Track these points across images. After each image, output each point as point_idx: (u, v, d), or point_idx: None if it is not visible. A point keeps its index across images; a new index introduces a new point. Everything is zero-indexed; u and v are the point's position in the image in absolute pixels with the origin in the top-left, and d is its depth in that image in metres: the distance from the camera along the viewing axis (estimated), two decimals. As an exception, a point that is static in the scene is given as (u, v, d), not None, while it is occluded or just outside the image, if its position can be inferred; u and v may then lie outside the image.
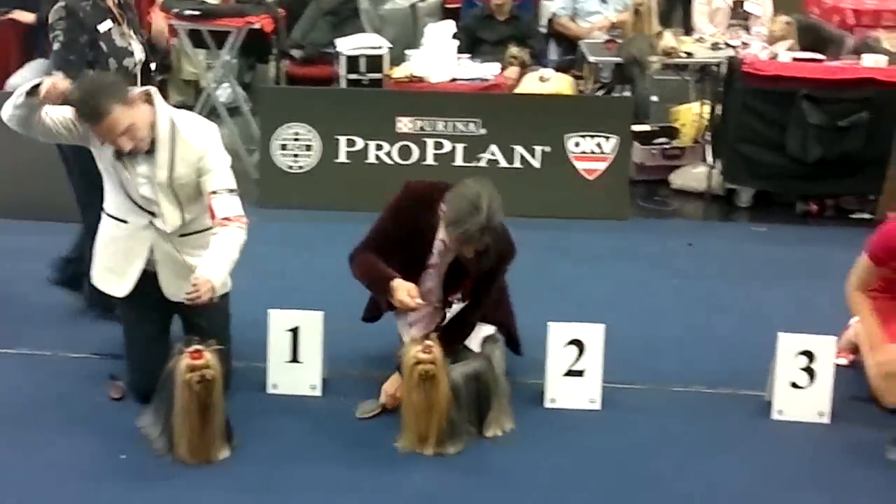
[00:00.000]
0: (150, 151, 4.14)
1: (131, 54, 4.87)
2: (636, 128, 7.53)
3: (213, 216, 4.13)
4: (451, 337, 4.29)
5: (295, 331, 4.49)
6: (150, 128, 4.11)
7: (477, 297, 4.32)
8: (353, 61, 7.66)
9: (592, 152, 6.87)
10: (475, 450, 4.12)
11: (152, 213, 4.25)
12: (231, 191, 4.19)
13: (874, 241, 4.50)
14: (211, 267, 4.05)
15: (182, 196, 4.22)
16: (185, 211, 4.25)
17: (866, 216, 6.91)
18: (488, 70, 7.48)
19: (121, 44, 4.83)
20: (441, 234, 4.22)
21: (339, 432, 4.26)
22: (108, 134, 4.03)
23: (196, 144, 4.17)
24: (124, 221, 4.31)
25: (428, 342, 4.02)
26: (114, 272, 4.37)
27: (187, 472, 3.94)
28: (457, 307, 4.35)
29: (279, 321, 4.50)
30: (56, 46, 4.75)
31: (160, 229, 4.25)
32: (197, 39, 7.64)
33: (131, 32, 4.92)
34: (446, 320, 4.36)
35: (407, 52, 7.69)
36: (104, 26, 4.77)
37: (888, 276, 4.54)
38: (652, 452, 4.18)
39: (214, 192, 4.15)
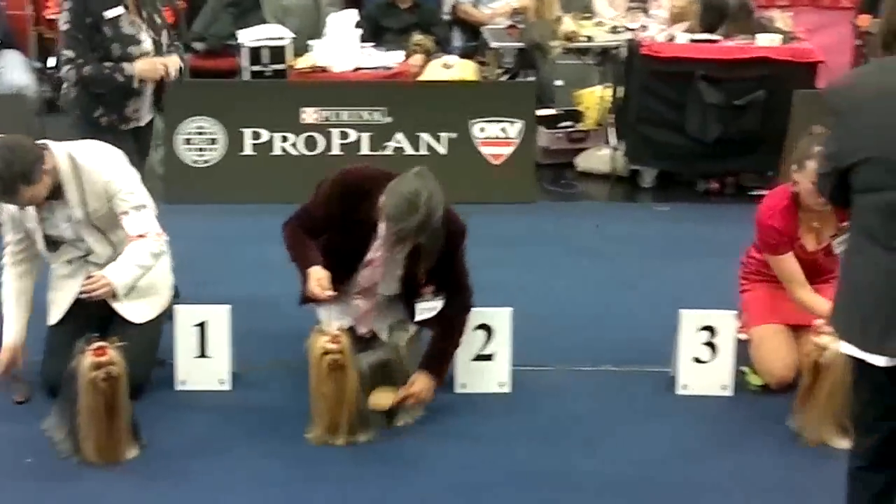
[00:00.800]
0: (59, 195, 4.19)
1: (138, 43, 4.90)
2: (541, 112, 7.60)
3: (128, 236, 4.21)
4: (445, 344, 4.29)
5: (202, 325, 4.46)
6: (53, 173, 4.14)
7: (446, 287, 4.26)
8: (255, 53, 7.62)
9: (497, 137, 6.92)
10: (386, 438, 4.13)
11: (83, 250, 4.34)
12: (139, 207, 4.24)
13: (760, 236, 4.49)
14: (113, 268, 4.12)
15: (104, 226, 4.30)
16: (112, 238, 4.32)
17: (765, 193, 7.04)
18: (392, 58, 7.50)
19: (128, 31, 4.89)
20: (381, 226, 4.15)
21: (250, 426, 4.24)
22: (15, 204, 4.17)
23: (99, 174, 4.21)
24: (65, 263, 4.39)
25: (335, 332, 4.02)
26: (54, 303, 4.44)
27: (95, 473, 3.89)
28: (430, 303, 4.28)
29: (186, 317, 4.47)
30: (64, 28, 4.91)
31: (95, 262, 4.32)
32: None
33: (143, 23, 4.95)
34: (419, 315, 4.30)
35: (310, 42, 7.67)
36: (113, 12, 4.85)
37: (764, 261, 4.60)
38: (562, 432, 4.24)
39: (125, 213, 4.22)
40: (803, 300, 4.40)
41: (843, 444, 3.87)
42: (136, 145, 5.08)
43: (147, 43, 4.95)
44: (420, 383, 4.18)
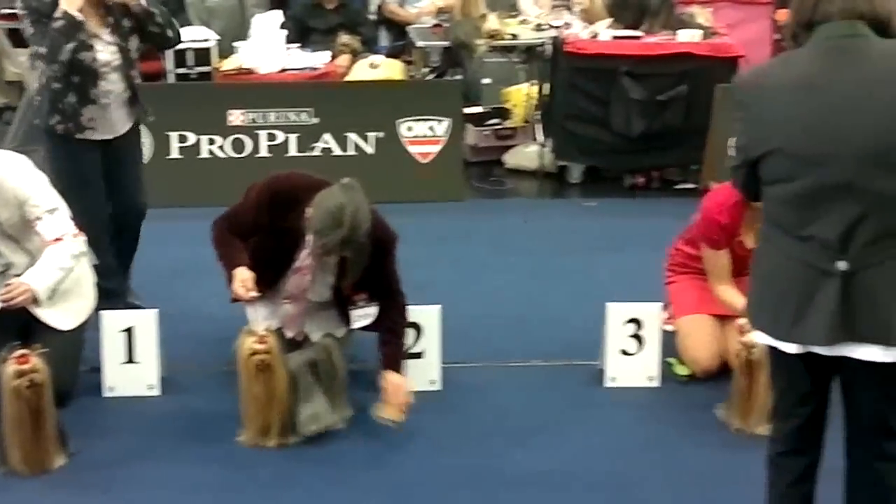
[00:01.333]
0: None
1: (89, 48, 4.66)
2: (468, 110, 7.65)
3: (44, 241, 4.16)
4: (395, 345, 4.27)
5: (129, 331, 4.42)
6: None
7: (379, 293, 4.26)
8: (180, 55, 7.55)
9: (425, 136, 6.95)
10: (317, 439, 4.13)
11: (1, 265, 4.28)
12: (51, 210, 4.18)
13: (701, 229, 4.50)
14: (33, 273, 4.08)
15: (17, 235, 4.23)
16: (28, 247, 4.26)
17: (690, 186, 7.18)
18: (318, 59, 7.49)
19: (80, 38, 4.62)
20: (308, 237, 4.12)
21: (180, 431, 4.22)
22: None
23: (7, 182, 4.13)
24: None
25: (263, 332, 4.01)
26: None
27: (23, 483, 3.84)
28: (364, 310, 4.26)
29: (112, 322, 4.42)
30: (29, 31, 4.71)
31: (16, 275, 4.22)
32: (17, 39, 7.40)
33: (103, 30, 4.71)
34: (355, 322, 4.29)
35: (235, 44, 7.63)
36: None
37: (692, 254, 4.67)
38: (493, 428, 4.27)
39: (38, 219, 4.16)
40: (723, 296, 4.48)
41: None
42: (105, 158, 4.88)
43: (104, 53, 4.70)
44: (395, 382, 4.17)
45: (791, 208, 2.81)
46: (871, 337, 2.77)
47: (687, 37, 6.93)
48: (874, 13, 2.78)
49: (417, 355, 4.50)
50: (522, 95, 7.97)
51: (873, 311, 2.76)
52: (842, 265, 2.75)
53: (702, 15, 7.44)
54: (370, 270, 4.15)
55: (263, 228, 4.24)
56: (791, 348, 2.88)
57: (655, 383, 4.56)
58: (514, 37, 7.44)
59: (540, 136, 7.52)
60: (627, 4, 7.09)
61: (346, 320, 4.33)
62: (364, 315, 4.27)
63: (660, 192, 7.22)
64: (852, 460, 3.04)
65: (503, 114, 8.01)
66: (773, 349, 2.95)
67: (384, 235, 4.19)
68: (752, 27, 8.54)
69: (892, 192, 2.71)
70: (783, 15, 7.49)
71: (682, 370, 4.62)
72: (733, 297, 4.40)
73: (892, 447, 2.91)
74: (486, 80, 8.26)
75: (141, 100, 4.94)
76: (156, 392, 4.47)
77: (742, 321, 4.10)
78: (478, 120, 7.82)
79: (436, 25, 7.67)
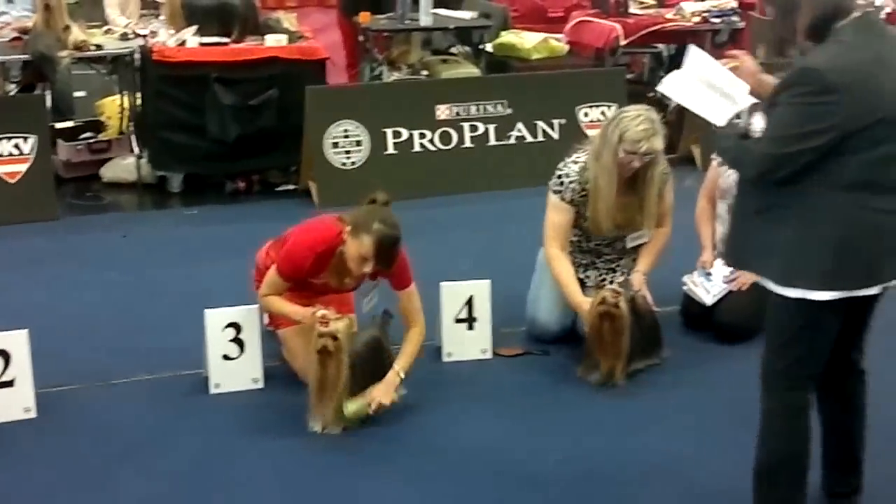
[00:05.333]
0: None
1: None
2: (59, 125, 7.36)
3: None
4: None
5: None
6: None
7: None
8: None
9: (11, 154, 6.63)
10: None
11: None
12: None
13: (283, 259, 4.46)
14: None
15: None
16: None
17: (291, 187, 7.31)
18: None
19: None
20: None
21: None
22: None
23: None
24: None
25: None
26: None
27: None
28: None
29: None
30: None
31: None
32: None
33: None
34: None
35: None
36: None
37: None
38: (98, 448, 4.15)
39: None
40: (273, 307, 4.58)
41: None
42: None
43: None
44: None
45: (885, 166, 3.15)
46: None
47: (273, 41, 7.03)
48: None
49: (8, 384, 4.28)
50: (116, 107, 7.79)
51: None
52: None
53: (287, 20, 7.57)
54: None
55: None
56: (871, 290, 3.23)
57: (260, 385, 4.62)
58: (99, 47, 7.22)
59: (136, 148, 7.37)
60: (211, 11, 7.08)
61: None
62: None
63: (262, 196, 7.28)
64: (830, 397, 3.53)
65: (98, 127, 7.80)
66: (821, 303, 3.19)
67: None
68: (338, 30, 8.85)
69: None
70: (366, 17, 7.85)
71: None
72: (281, 305, 4.48)
73: (861, 360, 3.52)
74: (79, 93, 8.01)
75: None
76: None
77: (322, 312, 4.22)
78: (70, 135, 7.56)
79: (14, 39, 7.29)
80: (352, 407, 4.27)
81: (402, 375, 4.41)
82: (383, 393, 4.33)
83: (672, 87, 3.60)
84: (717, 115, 3.49)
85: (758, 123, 3.39)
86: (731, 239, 3.53)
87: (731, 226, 3.57)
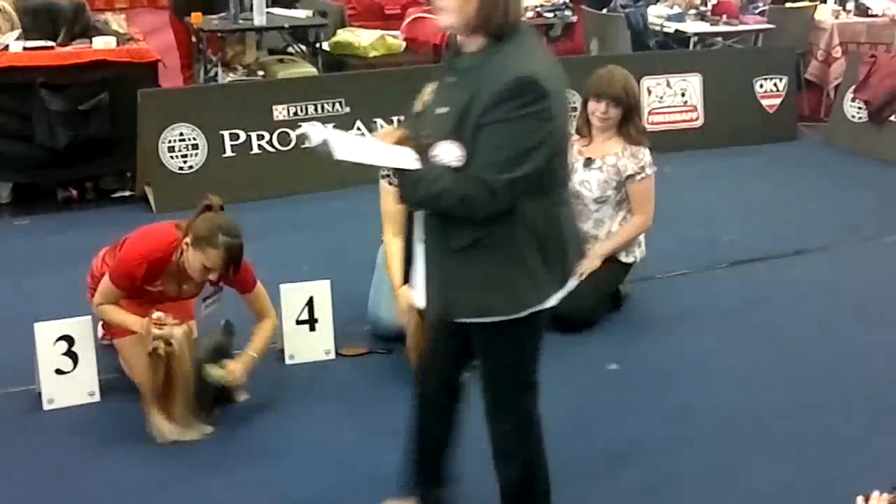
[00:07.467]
0: None
1: None
2: None
3: None
4: None
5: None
6: None
7: None
8: None
9: None
10: None
11: None
12: None
13: (117, 266, 4.37)
14: None
15: None
16: None
17: (127, 193, 7.14)
18: None
19: None
20: None
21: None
22: None
23: None
24: None
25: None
26: None
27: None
28: None
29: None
30: None
31: None
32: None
33: None
34: None
35: None
36: None
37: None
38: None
39: None
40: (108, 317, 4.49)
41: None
42: None
43: None
44: None
45: None
46: None
47: (102, 44, 6.83)
48: None
49: None
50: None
51: None
52: None
53: (116, 21, 7.38)
54: None
55: None
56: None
57: (96, 398, 4.49)
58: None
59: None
60: (37, 13, 6.85)
61: None
62: None
63: (96, 203, 7.09)
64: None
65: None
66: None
67: None
68: (170, 32, 8.68)
69: None
70: (197, 18, 7.68)
71: (215, 371, 4.37)
72: (116, 314, 4.39)
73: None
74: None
75: None
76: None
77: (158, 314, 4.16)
78: None
79: None
80: (214, 372, 4.29)
81: (255, 355, 4.42)
82: (240, 371, 4.35)
83: (342, 148, 2.96)
84: (404, 159, 2.92)
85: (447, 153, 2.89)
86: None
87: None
